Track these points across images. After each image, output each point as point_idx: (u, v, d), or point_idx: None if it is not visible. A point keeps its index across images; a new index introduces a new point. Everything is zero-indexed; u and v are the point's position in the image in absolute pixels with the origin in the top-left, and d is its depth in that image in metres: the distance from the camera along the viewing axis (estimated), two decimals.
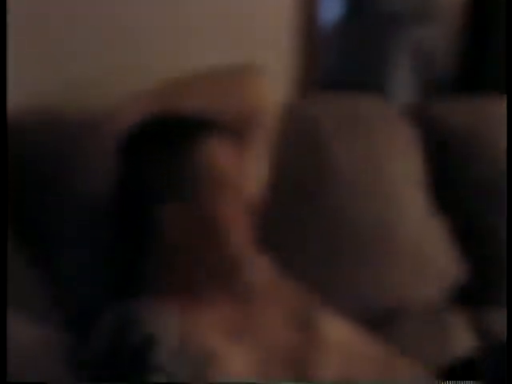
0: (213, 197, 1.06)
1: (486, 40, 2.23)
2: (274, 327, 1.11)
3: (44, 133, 1.20)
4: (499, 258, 1.56)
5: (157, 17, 1.48)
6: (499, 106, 1.70)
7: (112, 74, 1.42)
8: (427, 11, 2.53)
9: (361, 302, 1.46)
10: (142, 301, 1.00)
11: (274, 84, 1.27)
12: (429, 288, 1.56)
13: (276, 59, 1.61)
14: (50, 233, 1.18)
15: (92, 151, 1.13)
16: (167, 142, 1.06)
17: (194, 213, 1.05)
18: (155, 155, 1.06)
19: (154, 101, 1.08)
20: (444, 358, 1.36)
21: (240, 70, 1.24)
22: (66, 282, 1.15)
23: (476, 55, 2.28)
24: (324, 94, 1.79)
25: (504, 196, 1.52)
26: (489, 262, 1.60)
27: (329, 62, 2.11)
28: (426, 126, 1.66)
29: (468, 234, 1.61)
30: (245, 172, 1.21)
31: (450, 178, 1.63)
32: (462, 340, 1.50)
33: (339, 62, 2.42)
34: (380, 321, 1.47)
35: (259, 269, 1.21)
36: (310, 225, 1.42)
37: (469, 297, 1.60)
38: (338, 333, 1.18)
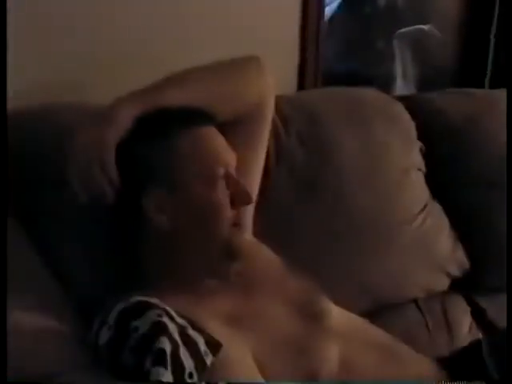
0: (203, 185, 1.06)
1: (484, 34, 2.24)
2: (276, 317, 1.12)
3: (43, 131, 1.20)
4: (498, 247, 1.57)
5: (157, 17, 1.49)
6: (498, 99, 1.71)
7: (112, 72, 1.43)
8: (427, 5, 2.53)
9: (362, 290, 1.47)
10: (144, 290, 1.01)
11: (274, 76, 1.27)
12: (429, 276, 1.57)
13: (277, 51, 1.61)
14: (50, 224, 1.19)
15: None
16: (160, 132, 1.06)
17: (182, 201, 1.06)
18: (148, 146, 1.06)
19: (148, 95, 1.08)
20: (445, 345, 1.38)
21: (242, 61, 1.24)
22: (66, 274, 1.16)
23: (475, 49, 2.29)
24: (324, 87, 1.80)
25: (504, 187, 1.53)
26: (487, 251, 1.62)
27: (329, 55, 2.11)
28: (425, 118, 1.67)
29: (467, 222, 1.62)
30: (246, 163, 1.22)
31: (449, 169, 1.64)
32: (462, 327, 1.51)
33: (339, 54, 2.42)
34: (381, 309, 1.48)
35: (258, 257, 1.23)
36: (309, 214, 1.42)
37: (468, 284, 1.62)
38: (341, 321, 1.18)
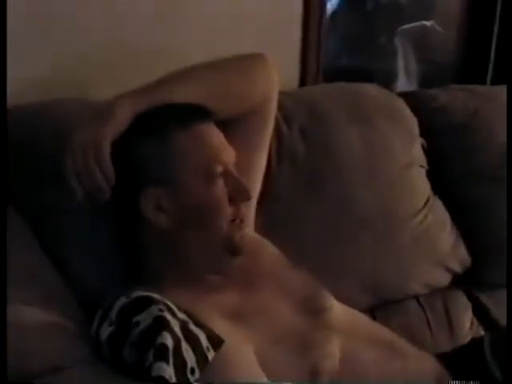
0: (200, 182, 1.06)
1: (487, 30, 2.23)
2: (278, 312, 1.12)
3: (43, 127, 1.20)
4: (499, 243, 1.56)
5: (158, 16, 1.48)
6: (500, 95, 1.71)
7: (112, 71, 1.43)
8: (429, 1, 2.53)
9: (363, 285, 1.47)
10: (145, 286, 1.01)
11: (278, 72, 1.27)
12: (431, 272, 1.57)
13: (279, 47, 1.61)
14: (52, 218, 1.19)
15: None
16: (157, 129, 1.06)
17: (180, 198, 1.05)
18: (144, 142, 1.05)
19: (148, 92, 1.08)
20: (447, 341, 1.38)
21: (248, 58, 1.24)
22: (67, 270, 1.16)
23: (477, 45, 2.28)
24: (326, 83, 1.80)
25: (503, 182, 1.53)
26: (489, 247, 1.62)
27: (331, 51, 2.10)
28: (426, 114, 1.67)
29: (468, 219, 1.62)
30: (248, 160, 1.22)
31: (450, 166, 1.64)
32: (464, 323, 1.52)
33: (341, 50, 2.42)
34: (383, 305, 1.48)
35: (260, 253, 1.23)
36: (311, 209, 1.42)
37: (470, 280, 1.62)
38: (343, 317, 1.18)
